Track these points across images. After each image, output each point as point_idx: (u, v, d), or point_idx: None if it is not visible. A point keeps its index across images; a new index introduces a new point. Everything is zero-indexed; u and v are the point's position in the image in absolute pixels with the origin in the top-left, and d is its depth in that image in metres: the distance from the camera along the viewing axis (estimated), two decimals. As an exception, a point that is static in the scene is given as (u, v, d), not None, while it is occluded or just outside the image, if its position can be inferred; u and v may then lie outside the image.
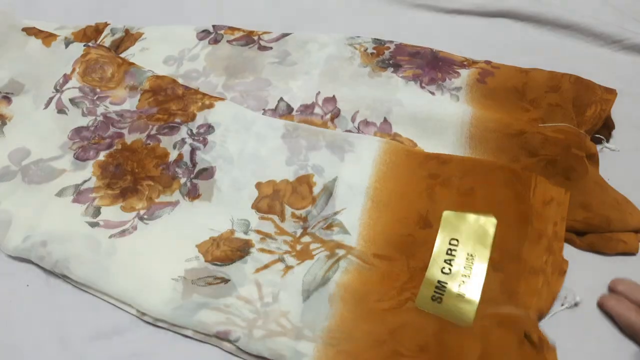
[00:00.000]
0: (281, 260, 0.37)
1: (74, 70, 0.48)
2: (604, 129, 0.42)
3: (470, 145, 0.41)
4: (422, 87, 0.46)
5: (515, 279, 0.34)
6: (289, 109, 0.46)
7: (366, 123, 0.44)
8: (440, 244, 0.36)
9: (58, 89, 0.48)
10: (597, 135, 0.42)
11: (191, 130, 0.44)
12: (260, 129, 0.44)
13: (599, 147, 0.41)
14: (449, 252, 0.35)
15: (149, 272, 0.37)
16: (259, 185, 0.41)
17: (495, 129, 0.41)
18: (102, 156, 0.44)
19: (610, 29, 0.49)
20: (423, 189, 0.38)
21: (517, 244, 0.35)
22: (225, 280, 0.36)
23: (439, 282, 0.34)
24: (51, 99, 0.47)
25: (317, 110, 0.46)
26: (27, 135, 0.45)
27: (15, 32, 0.52)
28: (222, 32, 0.53)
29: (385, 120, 0.44)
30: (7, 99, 0.48)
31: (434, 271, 0.35)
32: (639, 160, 0.42)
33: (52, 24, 0.54)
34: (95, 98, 0.47)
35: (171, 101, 0.46)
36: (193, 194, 0.41)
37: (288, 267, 0.37)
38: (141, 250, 0.39)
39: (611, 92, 0.42)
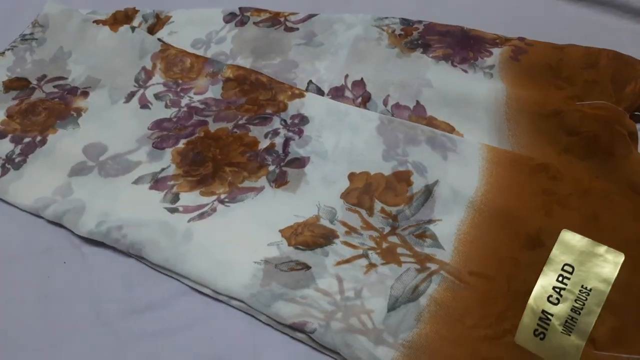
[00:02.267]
0: (365, 256, 0.36)
1: (154, 66, 0.49)
2: (644, 106, 0.41)
3: (509, 127, 0.40)
4: (454, 66, 0.45)
5: (632, 327, 0.30)
6: (320, 92, 0.46)
7: (398, 106, 0.44)
8: (551, 267, 0.31)
9: (141, 85, 0.48)
10: (636, 113, 0.41)
11: (285, 121, 0.44)
12: (354, 120, 0.42)
13: (638, 125, 0.40)
14: (560, 279, 0.31)
15: (228, 255, 0.37)
16: (352, 176, 0.40)
17: (531, 109, 0.40)
18: (181, 144, 0.44)
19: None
20: (539, 206, 0.35)
21: None
22: (307, 267, 0.36)
23: (543, 312, 0.30)
24: (132, 93, 0.48)
25: (347, 93, 0.45)
26: (103, 129, 0.46)
27: (89, 25, 0.53)
28: (248, 14, 0.53)
29: (418, 103, 0.43)
30: (85, 93, 0.49)
31: (540, 297, 0.31)
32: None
33: (84, 10, 0.55)
34: (178, 90, 0.48)
35: (257, 90, 0.46)
36: (281, 180, 0.40)
37: (372, 265, 0.35)
38: (220, 232, 0.38)
39: None
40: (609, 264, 0.31)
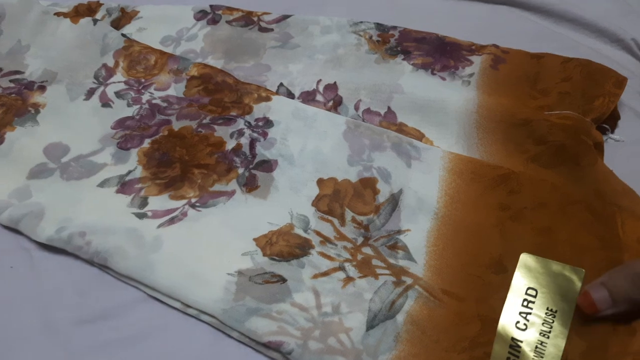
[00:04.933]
0: (341, 268, 0.35)
1: (117, 64, 0.47)
2: (610, 118, 0.42)
3: (479, 135, 0.40)
4: (434, 74, 0.45)
5: (602, 346, 0.29)
6: (290, 95, 0.45)
7: (369, 112, 0.43)
8: (515, 292, 0.31)
9: (101, 81, 0.46)
10: (602, 125, 0.42)
11: (249, 123, 0.42)
12: (321, 125, 0.41)
13: (603, 137, 0.41)
14: (525, 303, 0.30)
15: (200, 265, 0.35)
16: (320, 182, 0.39)
17: (501, 118, 0.40)
18: (146, 143, 0.42)
19: (613, 27, 0.48)
20: (494, 224, 0.35)
21: None
22: (283, 280, 0.34)
23: (513, 339, 0.30)
24: (92, 90, 0.46)
25: (318, 97, 0.45)
26: (64, 128, 0.43)
27: (49, 18, 0.50)
28: (219, 12, 0.52)
29: (389, 109, 0.43)
30: (42, 87, 0.46)
31: (507, 325, 0.30)
32: (642, 151, 0.41)
33: (45, 1, 0.53)
34: (140, 88, 0.46)
35: (222, 91, 0.44)
36: (251, 184, 0.39)
37: (349, 279, 0.34)
38: (192, 239, 0.36)
39: (620, 86, 0.41)
40: (570, 282, 0.30)
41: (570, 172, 0.37)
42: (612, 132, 0.42)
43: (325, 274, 0.35)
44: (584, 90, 0.41)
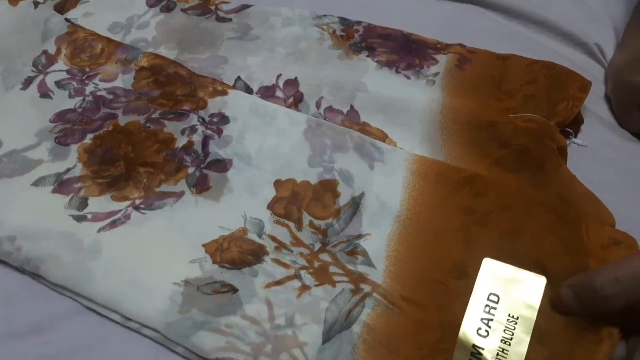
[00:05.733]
0: (297, 277, 0.32)
1: (59, 51, 0.43)
2: (573, 123, 0.41)
3: (443, 137, 0.39)
4: (398, 73, 0.43)
5: (566, 355, 0.29)
6: (248, 90, 0.42)
7: (332, 110, 0.41)
8: (477, 298, 0.30)
9: (41, 70, 0.42)
10: (566, 129, 0.41)
11: (203, 119, 0.39)
12: (280, 123, 0.39)
13: (567, 141, 0.40)
14: (487, 309, 0.30)
15: (143, 272, 0.32)
16: (278, 184, 0.36)
17: (466, 120, 0.39)
18: (88, 139, 0.38)
19: (577, 32, 0.48)
20: (458, 229, 0.34)
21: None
22: (234, 290, 0.32)
23: (474, 346, 0.29)
24: (31, 79, 0.42)
25: (278, 93, 0.42)
26: None
27: None
28: None
29: (352, 108, 0.41)
30: None
31: (469, 332, 0.29)
32: (605, 156, 0.41)
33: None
34: (84, 78, 0.42)
35: (175, 84, 0.41)
36: (202, 185, 0.36)
37: (305, 287, 0.32)
38: (135, 245, 0.33)
39: (584, 91, 0.41)
40: (532, 289, 0.30)
41: (534, 176, 0.36)
42: (576, 136, 0.42)
43: (279, 283, 0.32)
44: (548, 94, 0.41)
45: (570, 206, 0.34)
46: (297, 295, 0.32)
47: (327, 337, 0.30)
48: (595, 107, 0.44)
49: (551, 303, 0.30)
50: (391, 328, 0.31)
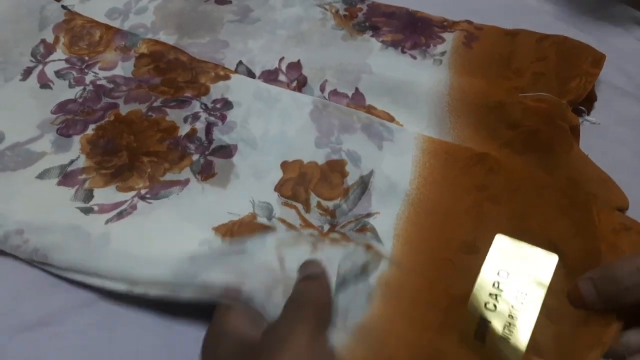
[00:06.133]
0: (309, 242, 0.32)
1: (57, 39, 0.42)
2: (586, 100, 0.40)
3: (451, 119, 0.38)
4: (404, 52, 0.42)
5: (572, 335, 0.29)
6: (251, 74, 0.41)
7: (336, 93, 0.40)
8: (487, 273, 0.30)
9: (39, 59, 0.41)
10: (578, 107, 0.40)
11: (205, 105, 0.39)
12: (286, 105, 0.38)
13: (579, 119, 0.39)
14: (496, 285, 0.30)
15: (151, 251, 0.32)
16: (284, 165, 0.36)
17: (474, 101, 0.38)
18: (90, 130, 0.38)
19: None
20: (470, 206, 0.33)
21: None
22: (244, 251, 0.31)
23: (481, 318, 0.29)
24: (30, 69, 0.41)
25: (281, 77, 0.41)
26: None
27: None
28: (172, -17, 0.47)
29: (357, 90, 0.40)
30: None
31: (477, 305, 0.29)
32: (619, 134, 0.40)
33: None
34: (83, 67, 0.41)
35: (175, 70, 0.40)
36: (207, 172, 0.36)
37: (317, 248, 0.31)
38: (143, 235, 0.33)
39: (597, 65, 0.39)
40: (543, 265, 0.30)
41: (543, 159, 0.35)
42: (589, 114, 0.40)
43: (291, 244, 0.32)
44: (559, 71, 0.39)
45: (579, 189, 0.34)
46: (310, 251, 0.31)
47: (341, 285, 0.30)
48: (610, 78, 0.42)
49: (568, 297, 0.30)
50: (406, 287, 0.31)
